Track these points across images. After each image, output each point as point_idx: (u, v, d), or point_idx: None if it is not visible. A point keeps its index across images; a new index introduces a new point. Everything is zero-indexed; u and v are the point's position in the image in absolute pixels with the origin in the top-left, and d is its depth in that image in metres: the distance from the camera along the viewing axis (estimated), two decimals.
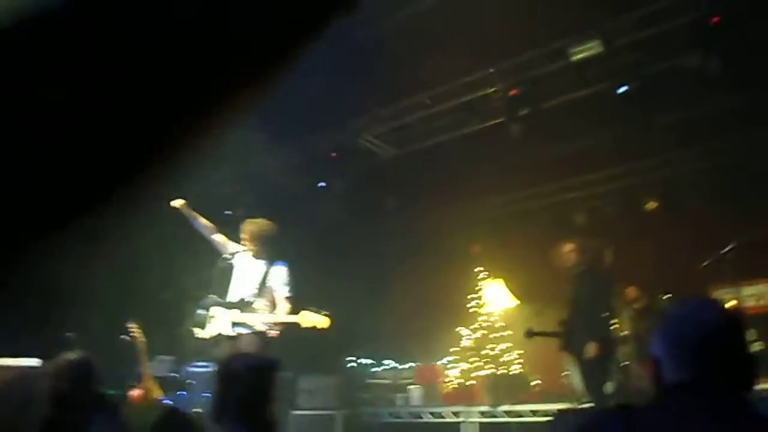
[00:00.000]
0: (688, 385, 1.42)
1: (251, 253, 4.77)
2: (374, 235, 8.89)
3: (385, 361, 8.12)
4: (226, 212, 8.44)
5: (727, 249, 4.93)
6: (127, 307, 5.83)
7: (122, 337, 5.80)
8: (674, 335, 1.48)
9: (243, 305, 4.58)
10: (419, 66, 6.31)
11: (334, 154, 7.71)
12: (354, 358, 8.12)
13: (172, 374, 6.30)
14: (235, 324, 4.53)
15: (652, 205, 7.89)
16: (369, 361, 8.19)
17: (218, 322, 4.56)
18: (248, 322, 4.54)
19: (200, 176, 5.55)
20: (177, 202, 4.90)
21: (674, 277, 6.29)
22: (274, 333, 4.59)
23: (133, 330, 5.55)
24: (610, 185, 8.24)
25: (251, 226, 4.82)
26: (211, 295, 4.69)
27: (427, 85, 6.99)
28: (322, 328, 4.39)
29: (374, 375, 7.97)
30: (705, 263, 5.13)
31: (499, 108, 6.82)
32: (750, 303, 6.00)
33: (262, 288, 4.65)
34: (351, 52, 6.22)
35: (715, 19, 5.45)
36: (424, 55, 5.99)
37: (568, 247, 5.60)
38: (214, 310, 4.59)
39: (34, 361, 4.90)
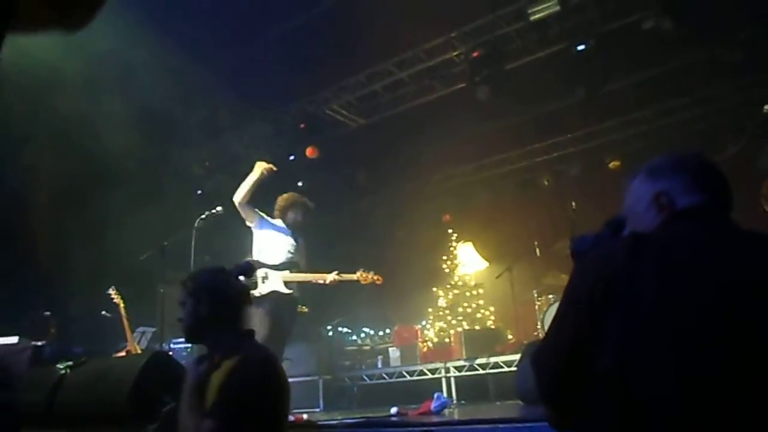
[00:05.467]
0: (701, 206, 1.41)
1: (278, 222, 5.03)
2: (345, 206, 9.01)
3: (364, 329, 8.25)
4: (198, 192, 8.55)
5: None
6: (104, 275, 5.81)
7: (103, 313, 5.81)
8: (674, 163, 1.49)
9: (291, 266, 4.84)
10: (382, 34, 6.42)
11: (302, 126, 7.80)
12: (330, 328, 8.20)
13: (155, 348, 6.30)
14: (286, 283, 4.77)
15: (615, 164, 8.19)
16: (347, 330, 8.29)
17: (271, 282, 4.74)
18: (298, 281, 4.84)
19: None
20: (266, 167, 4.84)
21: None
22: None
23: (113, 297, 5.52)
24: (573, 147, 8.52)
25: (281, 200, 5.09)
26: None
27: (392, 53, 7.12)
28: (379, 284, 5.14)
29: (353, 342, 8.09)
30: None
31: (462, 72, 7.00)
32: None
33: (294, 254, 4.94)
34: (315, 23, 6.31)
35: None
36: (386, 23, 6.10)
37: None
38: (262, 272, 4.79)
39: (12, 339, 4.94)
